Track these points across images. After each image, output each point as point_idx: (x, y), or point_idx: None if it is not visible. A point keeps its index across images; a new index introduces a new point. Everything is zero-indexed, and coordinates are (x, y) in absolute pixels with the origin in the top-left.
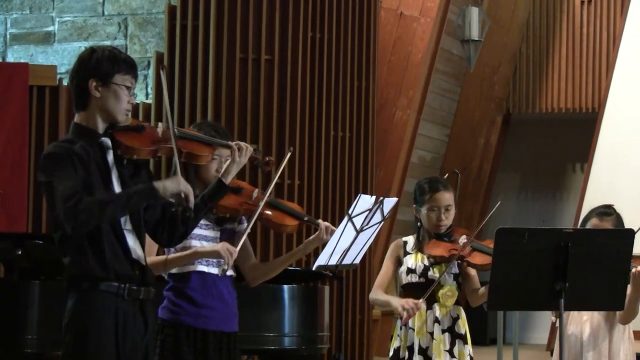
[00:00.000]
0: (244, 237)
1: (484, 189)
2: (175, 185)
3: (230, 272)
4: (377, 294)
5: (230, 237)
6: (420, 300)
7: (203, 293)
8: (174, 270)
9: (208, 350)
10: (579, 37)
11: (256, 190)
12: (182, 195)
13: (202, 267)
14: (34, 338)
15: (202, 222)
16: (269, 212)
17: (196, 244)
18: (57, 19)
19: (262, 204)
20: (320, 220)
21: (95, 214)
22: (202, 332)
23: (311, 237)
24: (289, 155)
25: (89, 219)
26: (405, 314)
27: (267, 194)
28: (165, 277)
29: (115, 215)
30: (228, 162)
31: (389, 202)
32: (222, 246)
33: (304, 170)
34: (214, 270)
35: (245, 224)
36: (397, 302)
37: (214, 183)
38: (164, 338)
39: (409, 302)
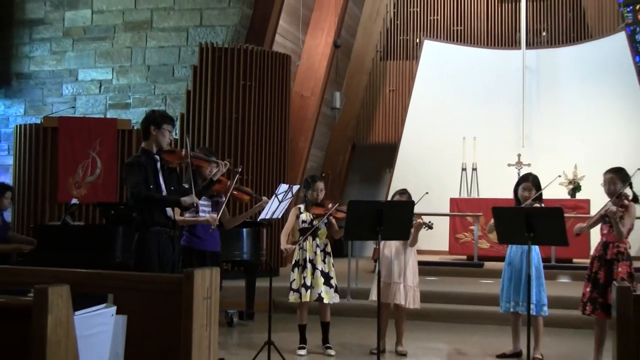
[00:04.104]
0: (224, 205)
1: (342, 183)
2: (190, 200)
3: (215, 225)
4: (283, 235)
5: (216, 204)
6: (295, 245)
7: (203, 232)
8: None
9: (206, 261)
10: (389, 107)
11: (229, 181)
12: (194, 204)
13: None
14: (119, 254)
15: (203, 198)
16: (235, 192)
17: (202, 209)
18: (131, 96)
19: (231, 187)
20: (263, 197)
21: (148, 203)
22: (202, 252)
23: (256, 205)
24: (240, 168)
25: (144, 204)
26: (286, 252)
27: (234, 183)
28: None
29: (160, 207)
30: (215, 170)
31: (295, 188)
32: (210, 216)
33: (251, 170)
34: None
35: (224, 198)
36: (282, 246)
37: (208, 180)
38: (183, 256)
39: (288, 246)
